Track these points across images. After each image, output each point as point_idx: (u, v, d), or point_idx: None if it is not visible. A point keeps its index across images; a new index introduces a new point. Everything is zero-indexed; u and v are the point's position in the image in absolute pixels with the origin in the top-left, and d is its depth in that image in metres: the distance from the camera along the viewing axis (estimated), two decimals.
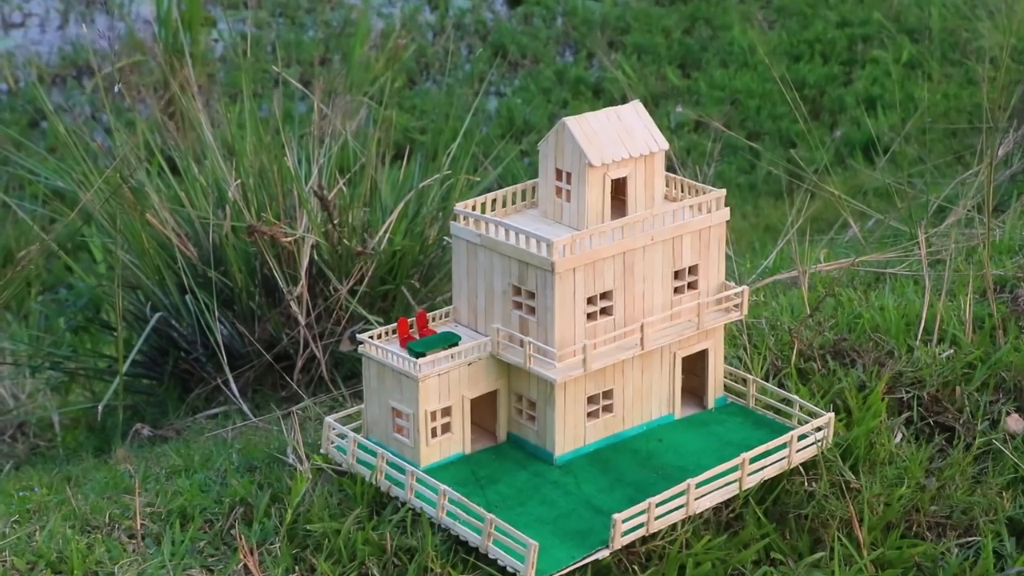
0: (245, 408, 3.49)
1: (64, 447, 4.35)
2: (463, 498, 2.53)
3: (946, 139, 7.63)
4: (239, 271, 3.87)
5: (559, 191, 2.74)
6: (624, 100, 9.03)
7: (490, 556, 2.48)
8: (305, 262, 3.78)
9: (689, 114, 8.36)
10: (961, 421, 3.00)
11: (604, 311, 2.70)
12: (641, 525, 2.53)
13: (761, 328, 3.19)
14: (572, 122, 2.71)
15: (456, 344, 2.71)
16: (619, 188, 2.75)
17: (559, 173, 2.74)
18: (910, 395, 2.99)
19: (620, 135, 2.74)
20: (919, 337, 3.17)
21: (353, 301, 3.83)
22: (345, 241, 3.89)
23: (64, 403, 4.75)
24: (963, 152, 6.91)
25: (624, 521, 2.50)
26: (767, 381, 3.04)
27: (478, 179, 4.67)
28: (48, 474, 3.32)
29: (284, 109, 4.40)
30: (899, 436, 2.92)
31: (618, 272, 2.69)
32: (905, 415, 2.96)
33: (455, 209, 2.76)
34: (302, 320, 3.78)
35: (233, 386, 3.57)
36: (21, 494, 2.84)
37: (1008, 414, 3.03)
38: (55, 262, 6.40)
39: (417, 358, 2.66)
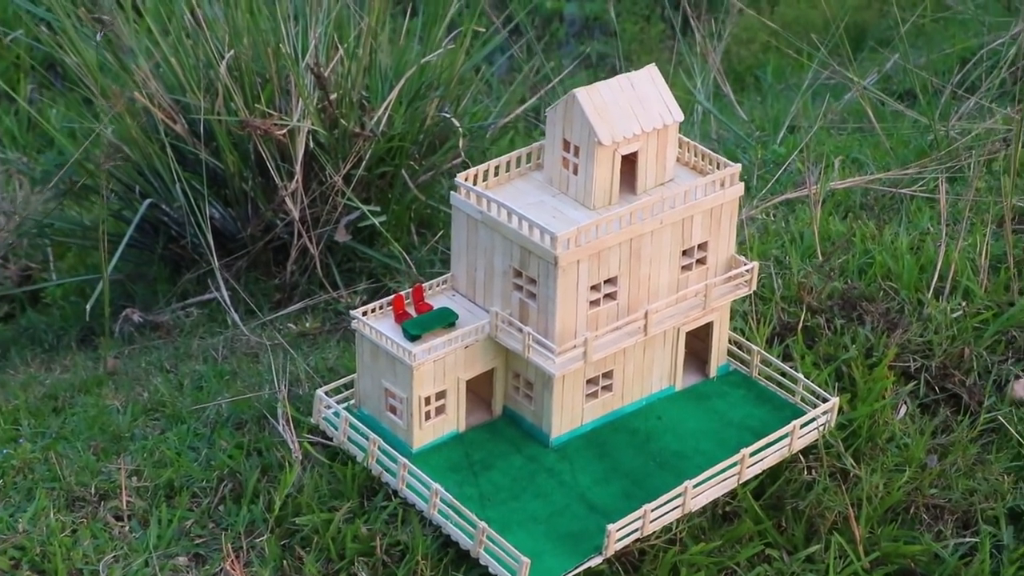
0: (236, 318, 3.41)
1: (56, 305, 4.28)
2: (456, 501, 2.48)
3: None
4: (230, 153, 3.73)
5: (566, 162, 2.61)
6: None
7: (481, 563, 2.45)
8: (300, 154, 3.64)
9: None
10: (968, 384, 2.93)
11: (608, 296, 2.60)
12: (636, 530, 2.49)
13: (768, 270, 3.09)
14: (582, 94, 2.55)
15: (453, 324, 2.61)
16: (629, 160, 2.61)
17: (567, 144, 2.59)
18: (918, 365, 2.91)
19: (632, 106, 2.58)
20: (932, 288, 3.07)
21: (348, 191, 3.70)
22: (342, 122, 3.74)
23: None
24: None
25: (618, 530, 2.46)
26: (773, 341, 2.96)
27: (483, 29, 4.47)
28: (31, 390, 3.26)
29: None
30: (903, 410, 2.85)
31: (624, 258, 2.58)
32: (911, 385, 2.89)
33: (456, 180, 2.62)
34: (296, 215, 3.66)
35: (224, 292, 3.47)
36: (5, 452, 2.78)
37: (1017, 377, 2.96)
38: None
39: (412, 341, 2.57)
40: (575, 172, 2.60)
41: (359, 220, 3.77)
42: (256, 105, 3.63)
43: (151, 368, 3.27)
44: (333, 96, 3.73)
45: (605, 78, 6.23)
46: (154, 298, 3.87)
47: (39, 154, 5.98)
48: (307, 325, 3.37)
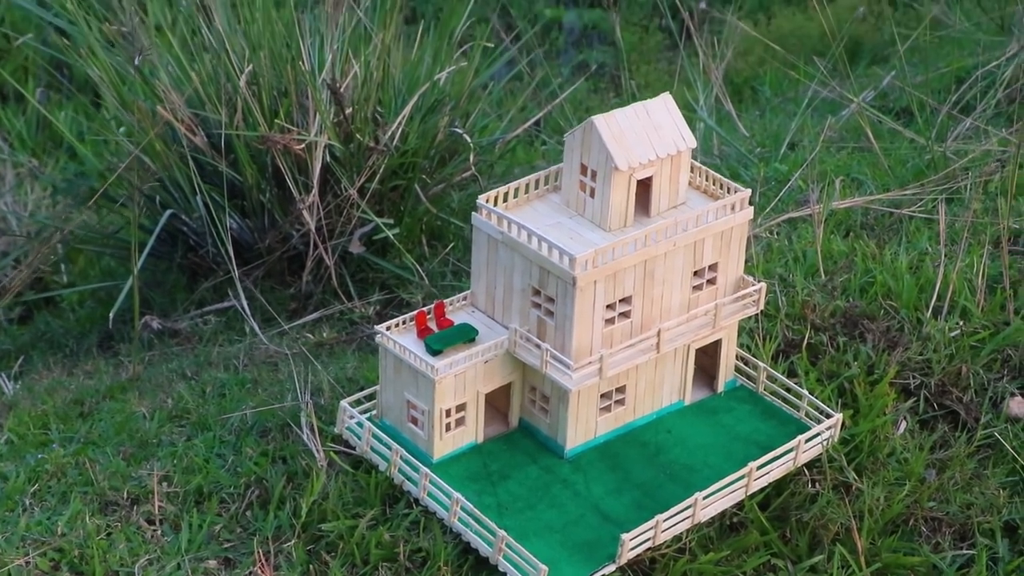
0: (255, 327, 3.51)
1: (70, 310, 4.37)
2: (476, 510, 2.59)
3: None
4: (248, 166, 3.83)
5: (583, 186, 2.71)
6: None
7: (500, 569, 2.55)
8: (317, 168, 3.74)
9: None
10: (965, 401, 3.04)
11: (623, 314, 2.71)
12: (648, 539, 2.60)
13: (773, 289, 3.20)
14: (600, 121, 2.65)
15: (473, 340, 2.72)
16: (644, 184, 2.72)
17: (584, 168, 2.70)
18: (917, 382, 3.03)
19: (648, 133, 2.69)
20: (931, 307, 3.18)
21: (363, 203, 3.81)
22: (358, 136, 3.84)
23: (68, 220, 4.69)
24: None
25: (632, 539, 2.57)
26: (778, 357, 3.07)
27: (491, 44, 4.58)
28: (57, 395, 3.36)
29: None
30: (903, 426, 2.96)
31: (639, 278, 2.69)
32: (911, 401, 3.00)
33: (477, 202, 2.73)
34: (312, 226, 3.76)
35: (243, 300, 3.57)
36: (39, 456, 2.88)
37: (1012, 395, 3.07)
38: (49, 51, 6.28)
39: (434, 355, 2.68)
40: (592, 195, 2.70)
41: (373, 232, 3.88)
42: (276, 120, 3.73)
43: (173, 375, 3.37)
44: (349, 111, 3.84)
45: (605, 88, 6.32)
46: (172, 305, 3.97)
47: (48, 156, 6.07)
48: (324, 335, 3.48)
